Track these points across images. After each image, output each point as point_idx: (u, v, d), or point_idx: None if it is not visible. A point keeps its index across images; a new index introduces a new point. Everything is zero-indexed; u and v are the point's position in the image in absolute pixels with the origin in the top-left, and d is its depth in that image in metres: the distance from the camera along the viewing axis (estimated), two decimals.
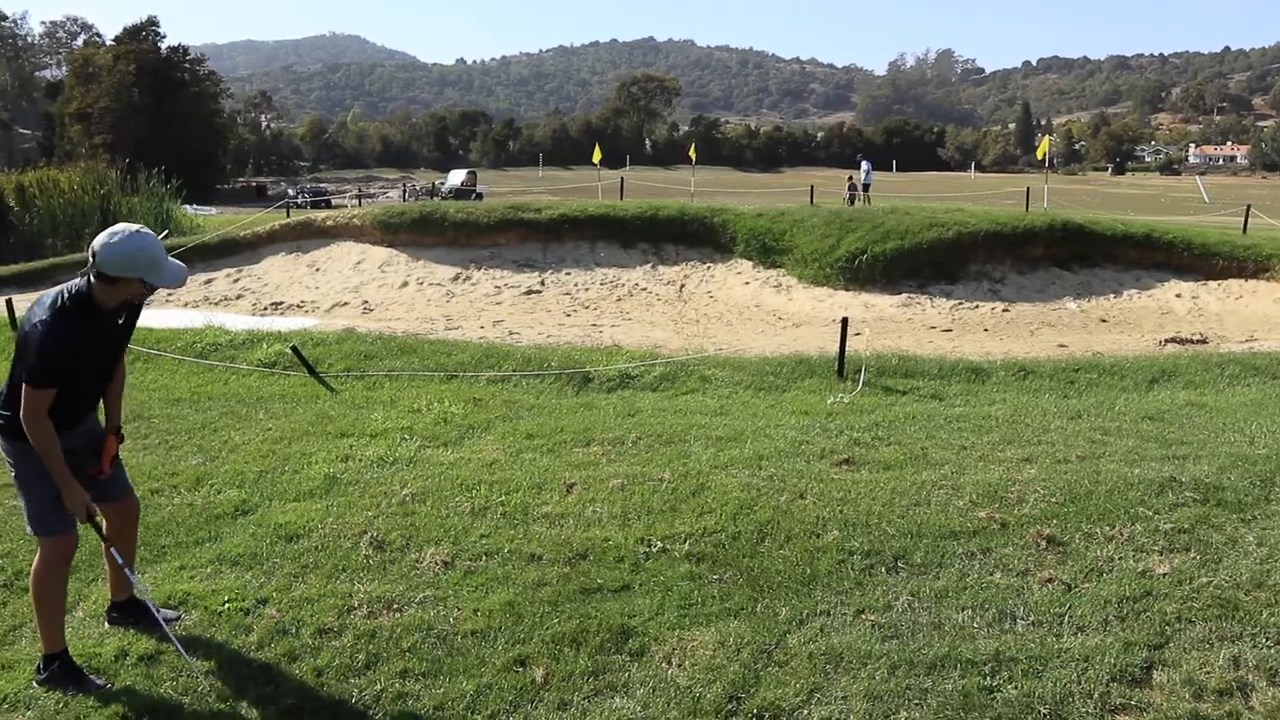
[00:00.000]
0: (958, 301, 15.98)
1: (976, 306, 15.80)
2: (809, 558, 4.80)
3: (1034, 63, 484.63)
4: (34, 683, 3.92)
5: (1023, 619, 4.21)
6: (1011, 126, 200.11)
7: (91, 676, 3.95)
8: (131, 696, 3.86)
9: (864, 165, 33.55)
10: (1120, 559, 4.74)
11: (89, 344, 3.76)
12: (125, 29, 74.39)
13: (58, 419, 3.75)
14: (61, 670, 3.91)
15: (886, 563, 4.75)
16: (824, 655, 3.95)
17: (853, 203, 29.32)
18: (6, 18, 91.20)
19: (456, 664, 3.97)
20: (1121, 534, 5.01)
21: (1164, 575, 4.57)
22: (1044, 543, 4.91)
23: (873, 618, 4.24)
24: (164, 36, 74.92)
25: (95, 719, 3.72)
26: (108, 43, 79.52)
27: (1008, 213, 18.98)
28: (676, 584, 4.57)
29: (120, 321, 3.91)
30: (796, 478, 5.82)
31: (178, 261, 3.86)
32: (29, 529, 3.98)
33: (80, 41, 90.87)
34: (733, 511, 5.30)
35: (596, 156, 34.82)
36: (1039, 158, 30.54)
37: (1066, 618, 4.21)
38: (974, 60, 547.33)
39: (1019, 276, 16.78)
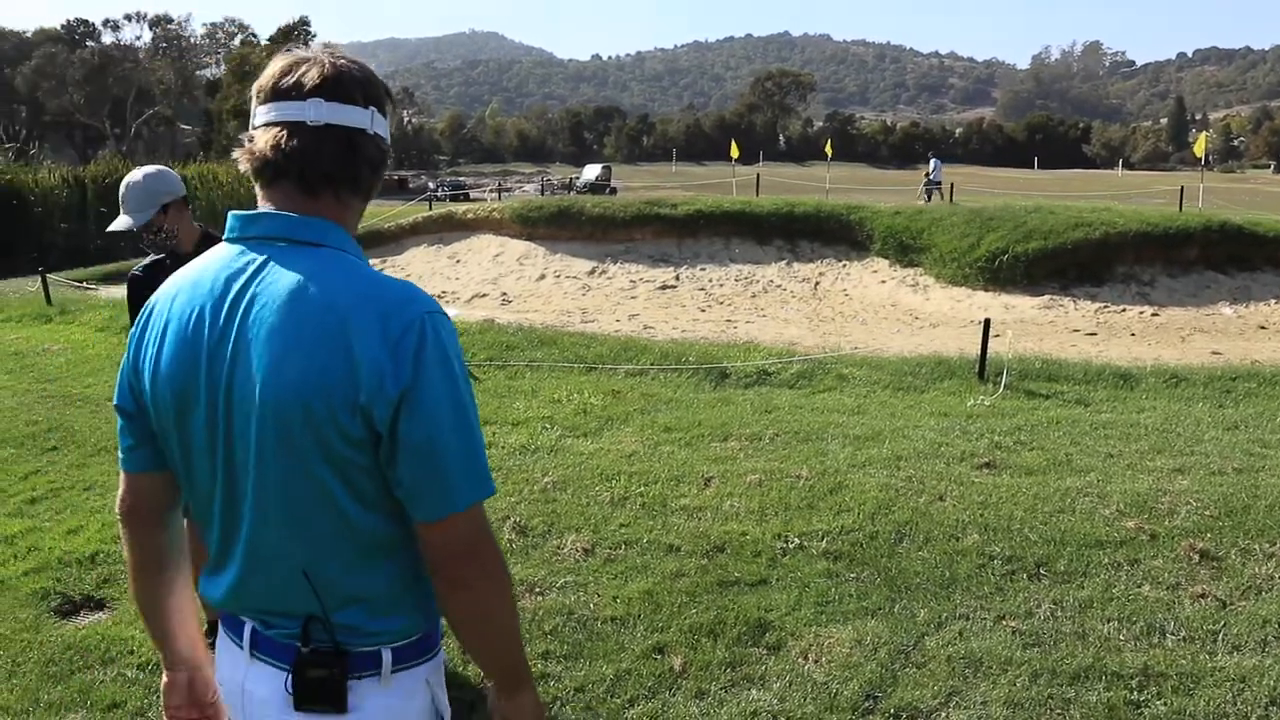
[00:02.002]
0: (1103, 304, 15.44)
1: (1123, 310, 15.23)
2: (948, 560, 4.75)
3: (1189, 54, 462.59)
4: (205, 644, 4.19)
5: (1173, 634, 4.08)
6: (1163, 122, 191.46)
7: None
8: None
9: (933, 162, 32.85)
10: None
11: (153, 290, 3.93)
12: (279, 29, 77.56)
13: None
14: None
15: (1028, 569, 4.66)
16: (963, 659, 3.91)
17: (929, 199, 28.56)
18: (172, 20, 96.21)
19: (596, 648, 4.08)
20: None
21: None
22: (1196, 557, 4.75)
23: (1013, 624, 4.17)
24: (314, 35, 77.84)
25: None
26: (263, 42, 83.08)
27: (1159, 213, 18.21)
28: (813, 581, 4.58)
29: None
30: (935, 479, 5.76)
31: (137, 209, 3.76)
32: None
33: (238, 41, 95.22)
34: (870, 511, 5.29)
35: (734, 152, 34.76)
36: (1196, 155, 29.11)
37: (1221, 635, 4.06)
38: (1124, 52, 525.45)
39: (1170, 279, 16.10)
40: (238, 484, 1.50)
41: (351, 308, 1.40)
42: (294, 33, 76.22)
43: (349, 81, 1.50)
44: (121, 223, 3.77)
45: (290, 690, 1.52)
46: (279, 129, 1.48)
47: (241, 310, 1.46)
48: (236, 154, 1.55)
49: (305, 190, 1.50)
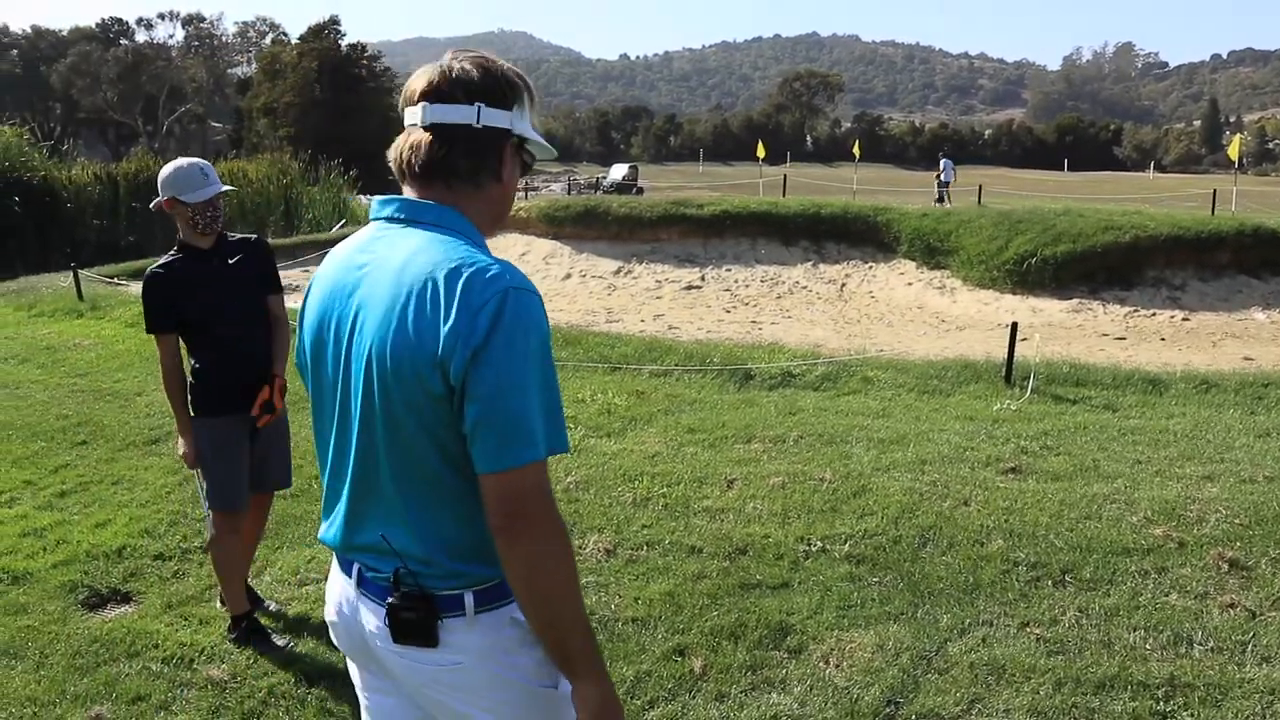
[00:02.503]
0: (1133, 308, 15.28)
1: (1153, 314, 15.08)
2: (972, 566, 4.71)
3: (1224, 55, 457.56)
4: (228, 639, 4.23)
5: (1201, 644, 4.02)
6: (1196, 124, 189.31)
7: (274, 637, 4.22)
8: (313, 659, 4.11)
9: (944, 163, 32.82)
10: None
11: (184, 288, 3.98)
12: (309, 28, 78.05)
13: (213, 386, 4.06)
14: (248, 630, 4.20)
15: (1053, 576, 4.62)
16: (986, 666, 3.88)
17: (941, 201, 28.44)
18: (205, 19, 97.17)
19: (617, 649, 4.07)
20: None
21: None
22: (1226, 565, 4.68)
23: (1038, 631, 4.13)
24: (344, 34, 78.19)
25: (279, 676, 3.97)
26: (293, 41, 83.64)
27: (1190, 216, 18.01)
28: (836, 584, 4.56)
29: (233, 261, 4.09)
30: (960, 484, 5.71)
31: (212, 173, 3.99)
32: (204, 504, 4.28)
33: (269, 40, 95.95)
34: (894, 515, 5.25)
35: (761, 153, 34.73)
36: (1231, 158, 28.73)
37: (1250, 646, 4.00)
38: (1157, 54, 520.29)
39: (1201, 284, 15.91)
40: (347, 432, 1.75)
41: (444, 278, 1.58)
42: (324, 31, 76.66)
43: (453, 83, 1.72)
44: (209, 190, 3.94)
45: (388, 626, 1.75)
46: (404, 133, 1.76)
47: (364, 276, 1.72)
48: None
49: (422, 181, 1.74)
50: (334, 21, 77.56)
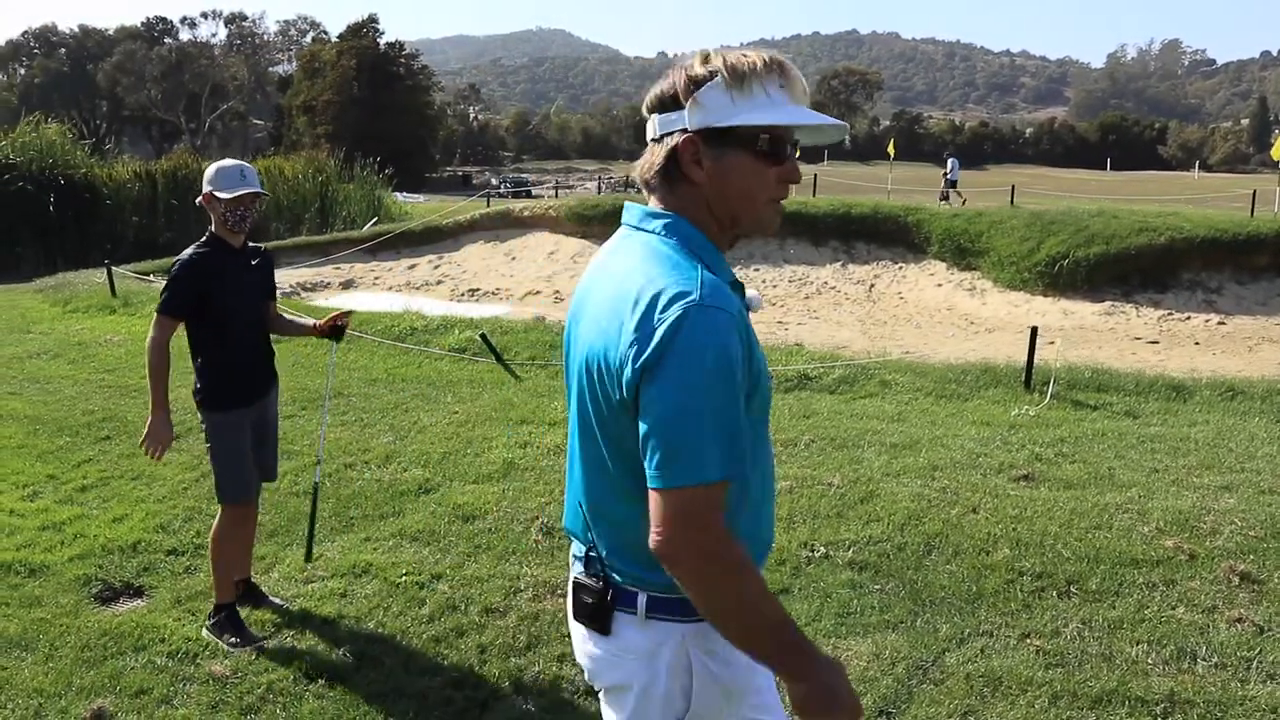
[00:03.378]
0: (1166, 311, 15.05)
1: (1188, 318, 14.84)
2: (976, 575, 4.67)
3: (1274, 53, 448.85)
4: (204, 628, 4.30)
5: (1205, 660, 3.95)
6: (1244, 123, 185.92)
7: (252, 631, 4.29)
8: (314, 656, 4.15)
9: (950, 162, 32.68)
10: None
11: (216, 279, 4.11)
12: (348, 26, 78.71)
13: (224, 381, 4.20)
14: (226, 619, 4.28)
15: (1058, 586, 4.56)
16: (982, 677, 3.84)
17: (946, 199, 28.55)
18: (247, 18, 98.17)
19: None
20: None
21: None
22: (1237, 579, 4.60)
23: (1038, 643, 4.08)
24: (382, 33, 78.73)
25: (278, 672, 4.01)
26: (333, 39, 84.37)
27: (1229, 217, 17.69)
28: (836, 591, 4.54)
29: (254, 263, 4.31)
30: (970, 491, 5.66)
31: (251, 176, 4.19)
32: (217, 496, 4.36)
33: (309, 39, 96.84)
34: (900, 521, 5.21)
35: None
36: (1275, 157, 28.20)
37: (1255, 663, 3.92)
38: (1204, 51, 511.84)
39: (1239, 287, 15.63)
40: (571, 425, 1.86)
41: (640, 288, 1.61)
42: (363, 30, 77.29)
43: (665, 95, 1.73)
44: (240, 189, 4.11)
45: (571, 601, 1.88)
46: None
47: (597, 279, 1.79)
48: None
49: (647, 190, 1.79)
50: (373, 20, 78.17)
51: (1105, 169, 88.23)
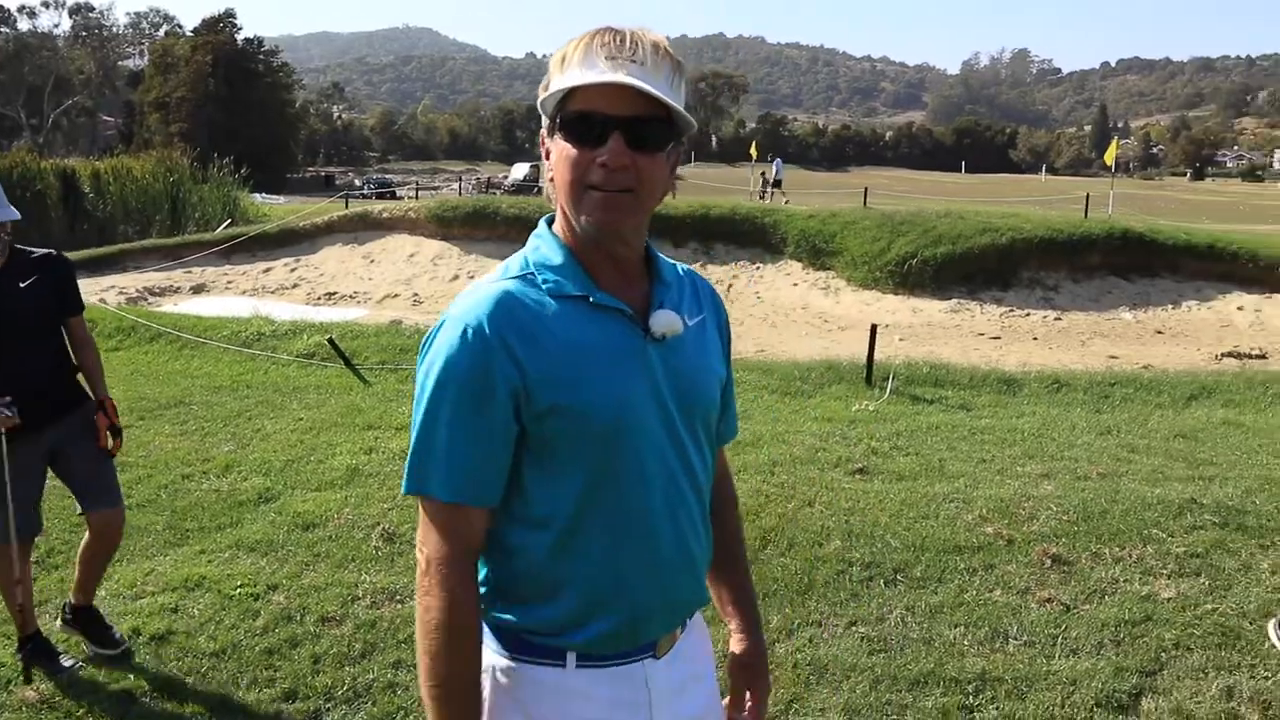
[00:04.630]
0: (1009, 309, 15.77)
1: (1028, 314, 15.57)
2: (809, 567, 4.80)
3: (1113, 63, 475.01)
4: (16, 656, 4.07)
5: (1015, 638, 4.16)
6: (1087, 129, 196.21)
7: (61, 658, 4.05)
8: (141, 672, 4.01)
9: (775, 164, 34.61)
10: (1125, 581, 4.67)
11: None
12: (204, 21, 76.16)
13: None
14: (33, 651, 4.02)
15: (886, 575, 4.73)
16: (809, 666, 3.96)
17: (763, 198, 30.37)
18: (94, 9, 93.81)
19: None
20: (1130, 556, 4.94)
21: (1168, 600, 4.49)
22: (1049, 561, 4.86)
23: (864, 630, 4.23)
24: (240, 28, 76.50)
25: (98, 694, 3.86)
26: (188, 33, 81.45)
27: (1065, 219, 18.66)
28: None
29: (24, 285, 3.84)
30: (807, 485, 5.82)
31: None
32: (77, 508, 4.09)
33: (162, 32, 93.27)
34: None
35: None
36: (1107, 162, 29.92)
37: (1060, 639, 4.15)
38: (1050, 60, 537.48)
39: (1074, 285, 16.50)
40: None
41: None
42: (219, 24, 74.86)
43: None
44: (6, 213, 3.75)
45: None
46: None
47: None
48: None
49: None
50: (230, 14, 75.80)
51: (961, 171, 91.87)
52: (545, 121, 1.52)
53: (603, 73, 1.43)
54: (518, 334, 1.47)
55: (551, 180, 1.54)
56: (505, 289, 1.52)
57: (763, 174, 34.56)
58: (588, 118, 1.45)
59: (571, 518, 1.52)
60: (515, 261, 1.59)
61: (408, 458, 1.53)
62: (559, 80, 1.47)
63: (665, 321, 1.59)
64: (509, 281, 1.54)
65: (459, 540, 1.51)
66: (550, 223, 1.61)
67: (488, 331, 1.47)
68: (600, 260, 1.56)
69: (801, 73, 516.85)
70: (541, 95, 1.50)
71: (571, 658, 1.57)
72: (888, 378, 8.30)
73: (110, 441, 4.01)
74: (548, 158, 1.53)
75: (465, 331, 1.47)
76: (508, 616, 1.59)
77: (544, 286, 1.54)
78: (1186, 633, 4.20)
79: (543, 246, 1.59)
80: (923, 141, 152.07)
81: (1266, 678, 3.88)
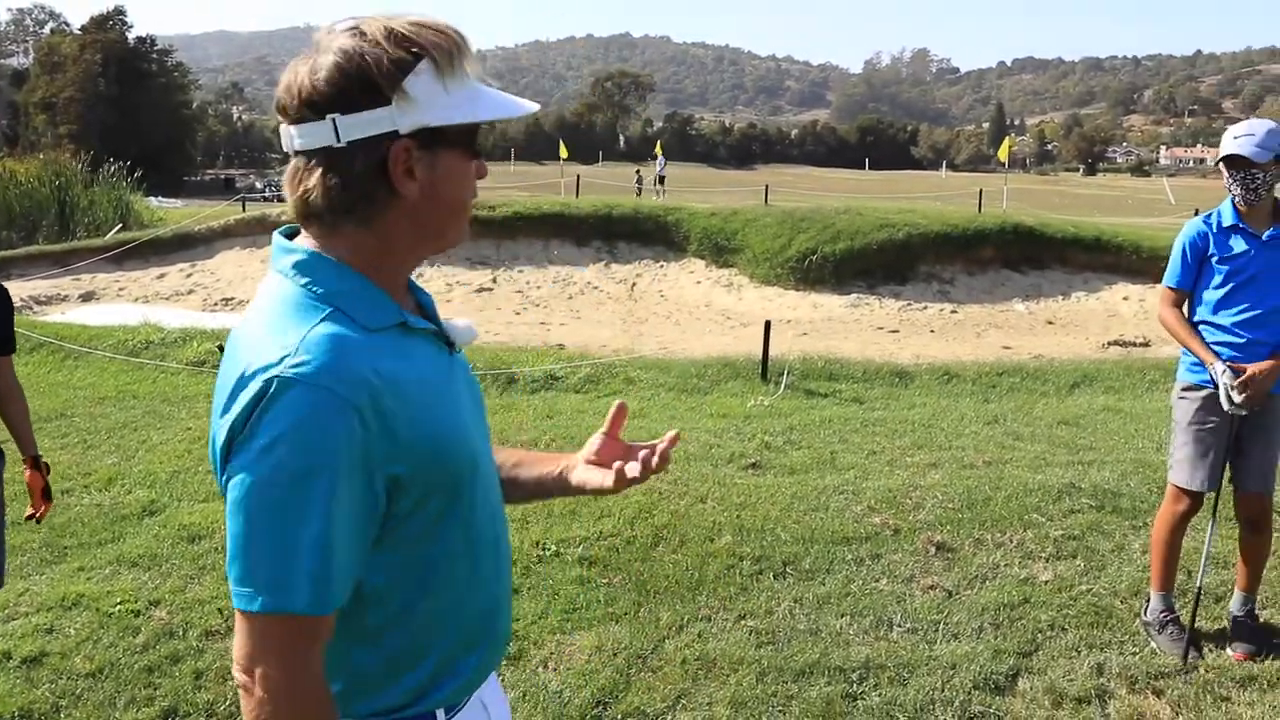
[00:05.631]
0: (906, 303, 16.12)
1: (925, 308, 15.94)
2: (699, 563, 4.84)
3: (1009, 63, 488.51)
4: None
5: (899, 626, 4.26)
6: (985, 126, 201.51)
7: None
8: (10, 697, 3.86)
9: (660, 159, 37.75)
10: (1006, 566, 4.82)
11: None
12: (92, 18, 73.63)
13: None
14: None
15: (775, 569, 4.79)
16: (698, 661, 3.99)
17: (639, 194, 32.63)
18: None
19: None
20: (1011, 541, 5.09)
21: (1046, 583, 4.64)
22: (933, 549, 4.98)
23: (752, 623, 4.28)
24: (131, 26, 74.18)
25: None
26: (75, 31, 78.69)
27: (960, 214, 19.15)
28: (564, 588, 4.60)
29: None
30: (700, 482, 5.87)
31: None
32: None
33: (48, 30, 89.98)
34: (631, 516, 5.34)
35: (564, 153, 35.03)
36: (1000, 159, 30.83)
37: (942, 625, 4.26)
38: (949, 60, 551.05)
39: (969, 278, 16.95)
40: None
41: (242, 352, 1.26)
42: (108, 22, 72.47)
43: (341, 87, 1.28)
44: None
45: None
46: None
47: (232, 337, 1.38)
48: None
49: (314, 220, 1.32)
50: (119, 12, 73.43)
51: (864, 168, 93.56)
52: (408, 130, 1.28)
53: (523, 103, 1.41)
54: (375, 389, 1.22)
55: (422, 203, 1.32)
56: (331, 333, 1.24)
57: (640, 172, 36.16)
58: (476, 129, 1.36)
59: (427, 568, 1.35)
60: (297, 298, 1.28)
61: (242, 563, 1.20)
62: (483, 97, 1.35)
63: (464, 333, 1.46)
64: (325, 325, 1.24)
65: (318, 656, 1.25)
66: (291, 237, 1.36)
67: (346, 393, 1.20)
68: (390, 278, 1.36)
69: (708, 72, 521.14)
70: (457, 109, 1.31)
71: (441, 714, 1.43)
72: (784, 373, 8.41)
73: (41, 506, 3.58)
74: (410, 175, 1.29)
75: (319, 398, 1.19)
76: (371, 704, 1.39)
77: (357, 321, 1.27)
78: (1062, 613, 4.34)
79: (324, 272, 1.29)
80: (828, 140, 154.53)
81: (1134, 653, 4.04)
